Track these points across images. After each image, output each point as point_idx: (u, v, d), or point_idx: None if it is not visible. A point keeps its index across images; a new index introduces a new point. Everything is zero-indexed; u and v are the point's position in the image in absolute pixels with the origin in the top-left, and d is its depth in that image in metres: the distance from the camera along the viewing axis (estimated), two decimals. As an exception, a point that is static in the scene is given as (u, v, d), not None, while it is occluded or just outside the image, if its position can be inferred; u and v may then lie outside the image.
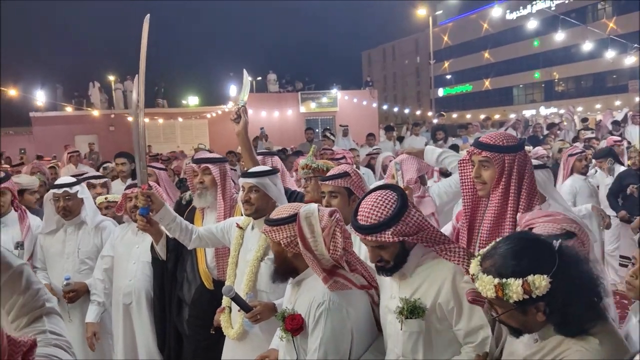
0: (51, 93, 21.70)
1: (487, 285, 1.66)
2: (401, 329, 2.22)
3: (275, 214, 2.52)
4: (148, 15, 3.11)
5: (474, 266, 1.75)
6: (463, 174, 2.65)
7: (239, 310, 2.98)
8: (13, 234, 4.01)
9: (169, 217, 3.24)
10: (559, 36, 17.41)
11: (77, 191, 4.01)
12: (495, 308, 1.72)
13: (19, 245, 3.93)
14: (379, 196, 2.20)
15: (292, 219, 2.42)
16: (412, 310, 2.18)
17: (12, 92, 14.71)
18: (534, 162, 3.60)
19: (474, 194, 2.59)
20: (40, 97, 19.13)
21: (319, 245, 2.35)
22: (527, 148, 7.42)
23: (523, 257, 1.65)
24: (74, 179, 4.13)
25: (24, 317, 1.30)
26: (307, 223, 2.37)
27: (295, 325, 2.33)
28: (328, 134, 10.40)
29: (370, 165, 8.19)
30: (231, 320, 3.17)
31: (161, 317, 3.84)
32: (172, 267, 3.77)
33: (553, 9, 36.11)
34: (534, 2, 42.19)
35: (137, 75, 3.12)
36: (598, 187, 6.67)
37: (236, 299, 2.87)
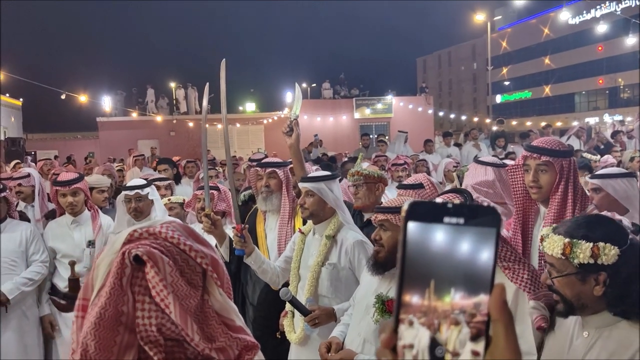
0: (114, 99, 22.60)
1: (556, 242, 1.67)
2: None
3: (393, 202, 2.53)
4: (224, 60, 3.14)
5: (547, 230, 1.75)
6: (514, 180, 2.65)
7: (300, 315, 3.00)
8: (86, 232, 4.14)
9: (259, 259, 3.22)
10: (630, 40, 16.66)
11: (148, 193, 4.11)
12: (554, 272, 1.70)
13: (91, 243, 4.06)
14: None
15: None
16: None
17: (82, 99, 15.40)
18: (619, 170, 3.49)
19: (525, 199, 2.62)
20: (107, 102, 19.95)
21: None
22: (594, 157, 7.15)
23: (597, 228, 1.66)
24: (144, 181, 4.22)
25: None
26: None
27: None
28: (383, 138, 10.39)
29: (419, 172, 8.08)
30: (294, 325, 3.19)
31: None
32: (234, 268, 3.83)
33: (619, 12, 34.63)
34: (598, 7, 40.58)
35: (221, 111, 3.20)
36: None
37: (293, 301, 2.87)
